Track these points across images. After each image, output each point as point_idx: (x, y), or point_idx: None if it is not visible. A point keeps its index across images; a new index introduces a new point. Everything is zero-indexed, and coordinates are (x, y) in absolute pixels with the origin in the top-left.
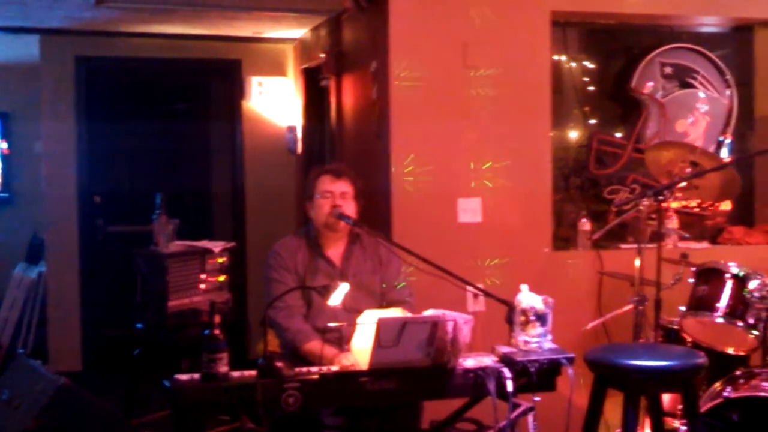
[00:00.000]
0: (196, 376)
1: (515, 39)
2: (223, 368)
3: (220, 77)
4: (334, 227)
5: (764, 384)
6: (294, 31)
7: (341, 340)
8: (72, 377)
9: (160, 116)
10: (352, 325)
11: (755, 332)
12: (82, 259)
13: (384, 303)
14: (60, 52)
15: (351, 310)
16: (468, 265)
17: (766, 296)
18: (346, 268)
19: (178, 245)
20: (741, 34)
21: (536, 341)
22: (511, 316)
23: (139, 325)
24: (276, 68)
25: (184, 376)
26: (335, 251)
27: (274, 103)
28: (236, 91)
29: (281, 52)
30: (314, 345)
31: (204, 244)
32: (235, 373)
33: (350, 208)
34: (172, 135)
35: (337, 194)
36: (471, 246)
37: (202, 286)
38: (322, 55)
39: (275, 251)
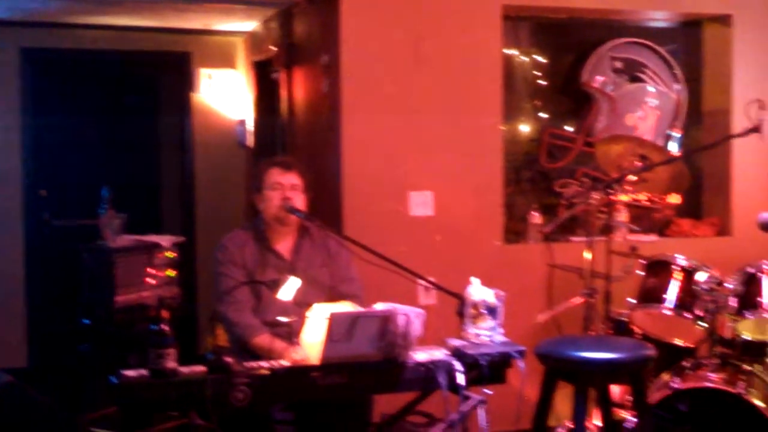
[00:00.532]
0: (144, 372)
1: (467, 33)
2: (171, 364)
3: (170, 70)
4: (284, 221)
5: (711, 375)
6: (244, 23)
7: (291, 335)
8: (17, 374)
9: (108, 109)
10: (302, 319)
11: (703, 324)
12: (27, 254)
13: (334, 297)
14: (5, 44)
15: (301, 303)
16: (419, 259)
17: (714, 288)
18: (295, 261)
19: (125, 239)
20: (690, 29)
21: (487, 334)
22: (462, 310)
23: (86, 321)
24: (226, 61)
25: (131, 372)
26: (284, 244)
27: (225, 96)
28: (186, 83)
29: (232, 44)
30: (263, 339)
31: (152, 238)
32: (184, 369)
33: (300, 201)
34: (121, 128)
35: (287, 187)
36: (422, 239)
37: (151, 280)
38: (273, 48)
39: (223, 245)
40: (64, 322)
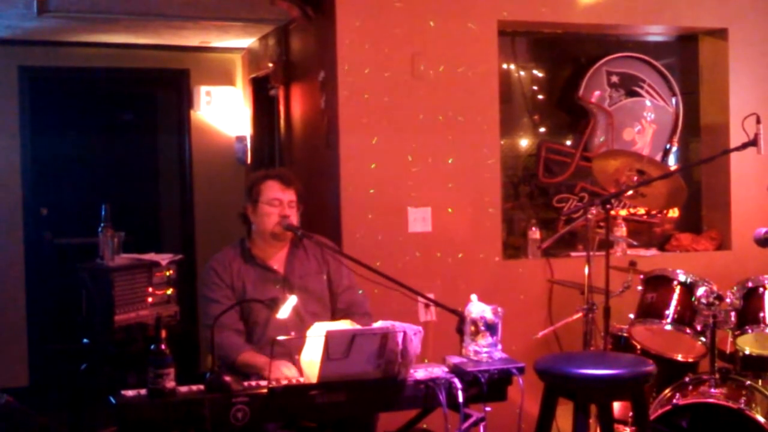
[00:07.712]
0: (143, 391)
1: (463, 49)
2: (170, 383)
3: (168, 87)
4: (281, 237)
5: (712, 390)
6: (242, 40)
7: (291, 352)
8: (18, 393)
9: (107, 127)
10: (303, 336)
11: (703, 339)
12: (28, 272)
13: (340, 308)
14: (3, 63)
15: (302, 316)
16: (418, 275)
17: (713, 303)
18: (289, 272)
19: (124, 258)
20: (686, 43)
21: (486, 351)
22: (462, 326)
23: (85, 340)
24: (224, 78)
25: (130, 392)
26: (276, 259)
27: (223, 112)
28: (184, 100)
29: (229, 61)
30: (246, 356)
31: (151, 256)
32: (183, 388)
33: (295, 218)
34: (120, 145)
35: (285, 203)
36: (421, 255)
37: (149, 299)
38: (270, 65)
39: (210, 267)
40: (64, 341)
